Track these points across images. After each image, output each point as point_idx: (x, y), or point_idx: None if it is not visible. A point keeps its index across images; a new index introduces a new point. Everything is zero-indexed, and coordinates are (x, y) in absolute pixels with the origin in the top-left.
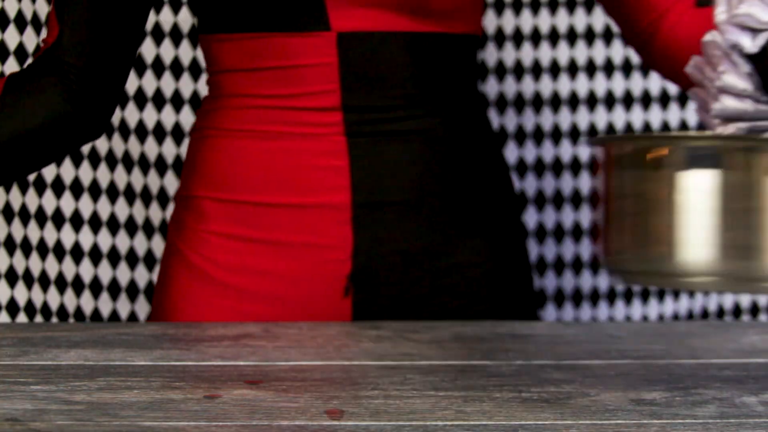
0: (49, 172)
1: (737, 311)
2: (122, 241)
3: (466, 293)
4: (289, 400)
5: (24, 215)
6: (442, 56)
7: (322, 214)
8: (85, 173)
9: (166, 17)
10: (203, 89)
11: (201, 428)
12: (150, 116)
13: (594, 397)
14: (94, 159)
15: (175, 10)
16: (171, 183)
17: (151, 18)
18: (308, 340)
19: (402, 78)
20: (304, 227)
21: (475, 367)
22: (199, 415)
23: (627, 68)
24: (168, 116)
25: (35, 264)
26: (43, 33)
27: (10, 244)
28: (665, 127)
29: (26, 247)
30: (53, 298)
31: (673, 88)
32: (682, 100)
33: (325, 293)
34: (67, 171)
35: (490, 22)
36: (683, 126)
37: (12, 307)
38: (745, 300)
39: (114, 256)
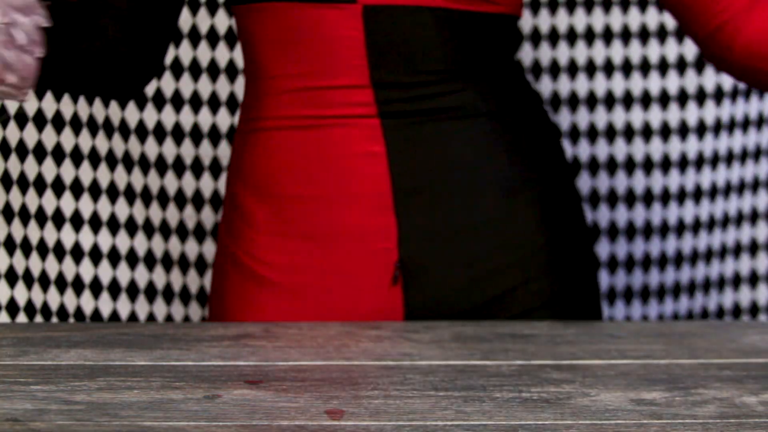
0: (49, 172)
1: (737, 311)
2: (122, 241)
3: (524, 269)
4: (289, 400)
5: (24, 215)
6: (475, 33)
7: (364, 203)
8: (85, 173)
9: None
10: (203, 89)
11: (201, 428)
12: (150, 116)
13: (594, 397)
14: (94, 159)
15: None
16: (171, 183)
17: None
18: (308, 340)
19: (431, 54)
20: (346, 218)
21: (475, 367)
22: (199, 415)
23: (627, 68)
24: (168, 116)
25: (35, 264)
26: None
27: (10, 244)
28: (665, 127)
29: (26, 247)
30: (53, 298)
31: (672, 87)
32: (682, 100)
33: (375, 284)
34: (67, 171)
35: None
36: (683, 125)
37: (12, 307)
38: (745, 300)
39: (114, 256)
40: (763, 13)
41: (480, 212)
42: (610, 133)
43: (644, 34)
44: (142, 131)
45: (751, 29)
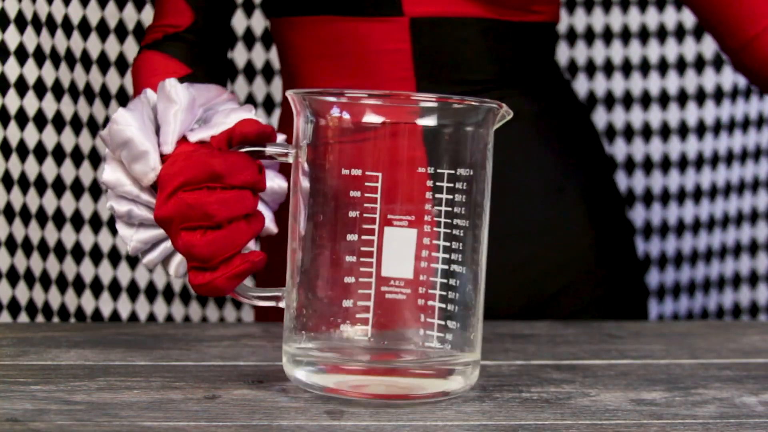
0: (49, 172)
1: (737, 311)
2: (123, 241)
3: (573, 269)
4: (289, 400)
5: (25, 215)
6: (518, 42)
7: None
8: (86, 173)
9: None
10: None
11: (201, 428)
12: None
13: (594, 397)
14: (95, 159)
15: None
16: None
17: None
18: None
19: (477, 64)
20: None
21: None
22: (199, 415)
23: (626, 68)
24: None
25: (36, 264)
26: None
27: (11, 244)
28: (665, 126)
29: (27, 247)
30: (54, 298)
31: (672, 87)
32: (682, 100)
33: None
34: (68, 171)
35: None
36: (683, 125)
37: (14, 307)
38: (745, 300)
39: (114, 256)
40: None
41: (529, 214)
42: (610, 133)
43: (644, 34)
44: None
45: None
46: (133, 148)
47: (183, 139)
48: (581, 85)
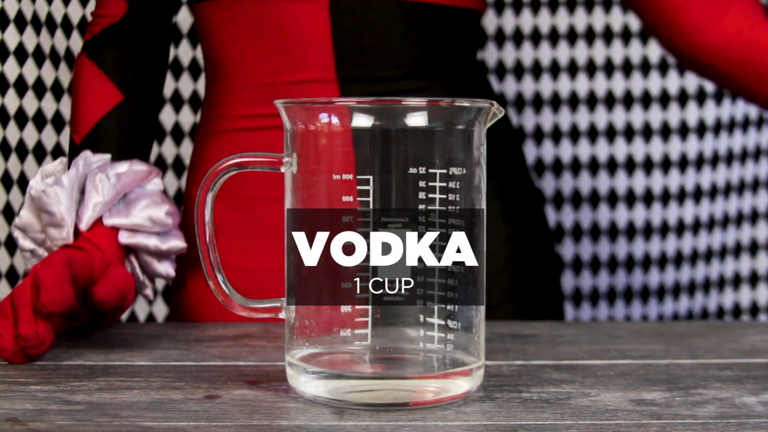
0: None
1: (737, 311)
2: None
3: (488, 264)
4: (289, 400)
5: None
6: (441, 27)
7: None
8: None
9: None
10: (203, 89)
11: (201, 428)
12: None
13: (594, 397)
14: None
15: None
16: (171, 182)
17: None
18: None
19: (397, 48)
20: None
21: None
22: (199, 415)
23: (627, 68)
24: (168, 116)
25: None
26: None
27: (11, 244)
28: (665, 127)
29: None
30: None
31: (673, 88)
32: (682, 101)
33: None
34: None
35: (490, 21)
36: (683, 125)
37: None
38: (745, 300)
39: None
40: (742, 21)
41: None
42: (610, 133)
43: (644, 34)
44: None
45: (731, 31)
46: (55, 218)
47: (99, 221)
48: (581, 86)
